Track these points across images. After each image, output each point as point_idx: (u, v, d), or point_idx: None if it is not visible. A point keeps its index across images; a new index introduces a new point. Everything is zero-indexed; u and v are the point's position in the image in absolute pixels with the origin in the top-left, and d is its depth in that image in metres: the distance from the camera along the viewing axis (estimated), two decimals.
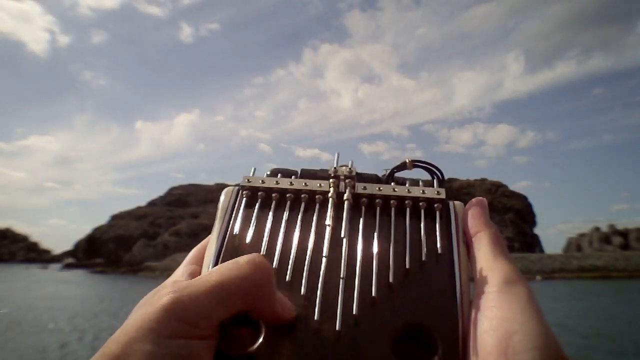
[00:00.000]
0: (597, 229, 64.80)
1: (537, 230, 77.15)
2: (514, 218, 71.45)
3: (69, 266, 68.16)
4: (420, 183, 0.41)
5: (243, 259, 0.30)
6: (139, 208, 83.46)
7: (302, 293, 0.33)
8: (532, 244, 69.98)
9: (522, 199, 78.12)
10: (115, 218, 80.00)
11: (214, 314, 0.27)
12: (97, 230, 77.07)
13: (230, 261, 0.30)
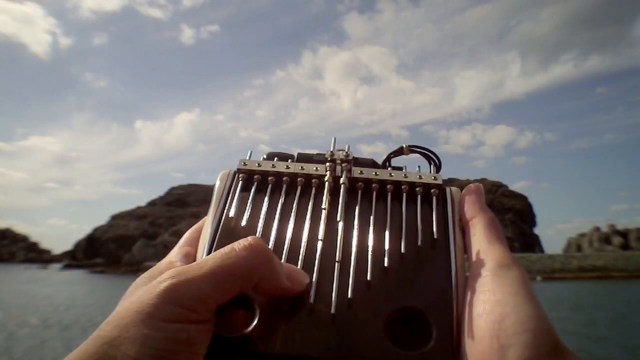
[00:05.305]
0: (597, 229, 64.68)
1: (537, 230, 77.19)
2: (514, 218, 71.43)
3: (69, 266, 68.00)
4: (418, 168, 0.42)
5: (239, 244, 0.30)
6: (139, 208, 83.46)
7: None
8: (532, 244, 69.93)
9: (522, 199, 78.05)
10: (115, 218, 79.99)
11: (211, 299, 0.27)
12: (97, 230, 77.06)
13: (227, 247, 0.30)
